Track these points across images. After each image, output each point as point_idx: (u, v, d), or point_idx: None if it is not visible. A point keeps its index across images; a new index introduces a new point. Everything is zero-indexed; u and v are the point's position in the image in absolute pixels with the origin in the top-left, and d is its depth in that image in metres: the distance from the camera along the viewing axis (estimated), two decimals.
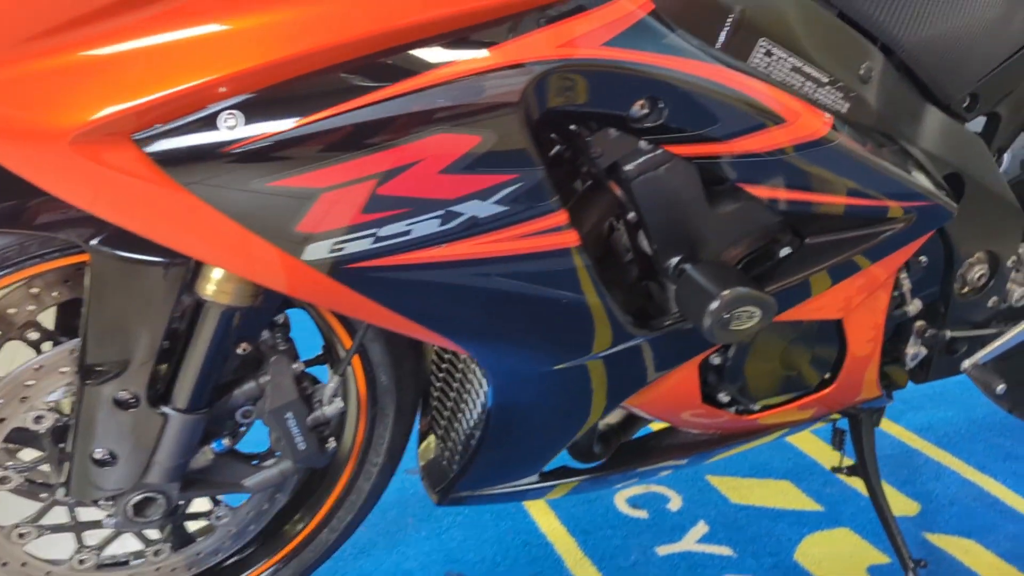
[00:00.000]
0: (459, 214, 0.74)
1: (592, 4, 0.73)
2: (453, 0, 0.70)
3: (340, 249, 0.73)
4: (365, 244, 0.73)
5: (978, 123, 1.16)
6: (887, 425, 1.75)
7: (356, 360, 1.04)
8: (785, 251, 0.94)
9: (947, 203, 0.95)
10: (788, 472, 1.58)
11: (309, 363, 1.01)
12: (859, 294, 0.98)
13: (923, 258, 1.13)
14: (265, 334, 0.93)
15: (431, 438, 1.15)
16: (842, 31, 0.91)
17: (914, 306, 1.11)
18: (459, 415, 1.06)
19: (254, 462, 1.01)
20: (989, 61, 1.06)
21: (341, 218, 0.72)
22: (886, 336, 1.21)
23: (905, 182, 0.91)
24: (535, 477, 1.07)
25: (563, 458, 1.10)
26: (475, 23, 0.70)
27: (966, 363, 1.23)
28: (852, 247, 0.93)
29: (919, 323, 1.19)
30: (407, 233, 0.74)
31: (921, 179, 0.94)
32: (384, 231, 0.73)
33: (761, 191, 0.86)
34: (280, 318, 0.95)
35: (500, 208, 0.75)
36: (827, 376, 1.09)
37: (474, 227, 0.75)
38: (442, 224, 0.74)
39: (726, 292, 0.83)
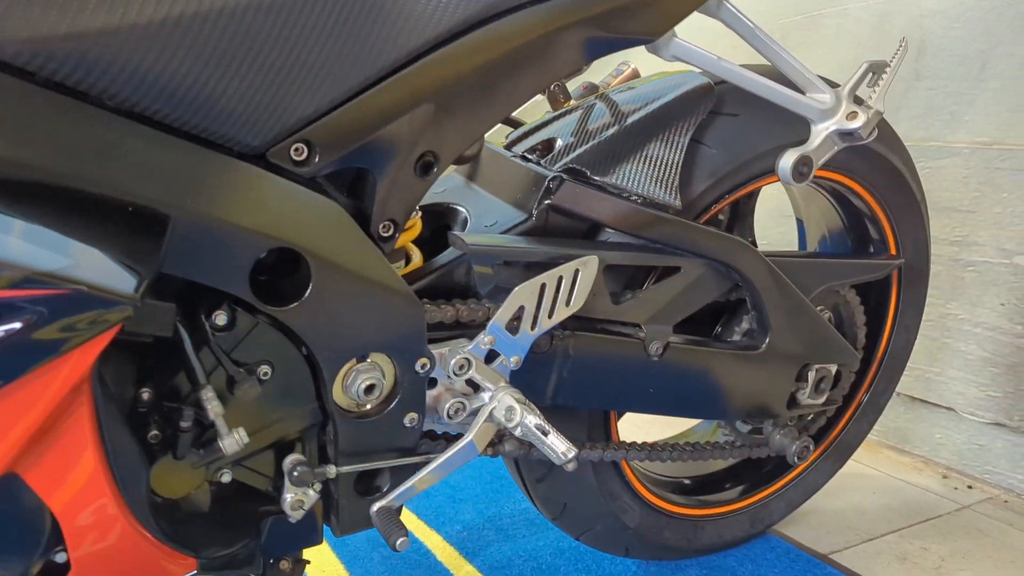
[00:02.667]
0: None
1: None
2: None
3: None
4: None
5: None
6: (458, 564, 1.42)
7: None
8: None
9: (100, 291, 0.60)
10: None
11: None
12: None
13: (264, 369, 0.81)
14: None
15: None
16: None
17: (234, 440, 0.77)
18: None
19: None
20: (309, 100, 0.76)
21: None
22: (274, 478, 0.87)
23: None
24: None
25: None
26: None
27: (376, 506, 0.90)
28: None
29: (291, 459, 0.85)
30: None
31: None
32: None
33: None
34: None
35: None
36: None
37: None
38: None
39: None
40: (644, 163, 1.04)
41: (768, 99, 0.98)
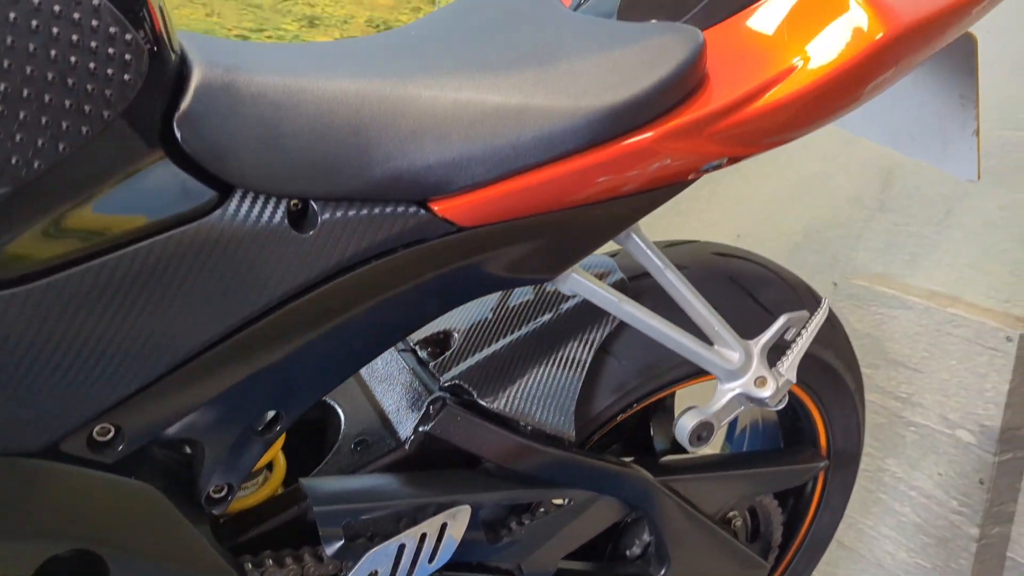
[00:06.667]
0: None
1: None
2: None
3: None
4: None
5: None
6: None
7: None
8: None
9: None
10: None
11: None
12: None
13: None
14: None
15: None
16: None
17: None
18: None
19: None
20: (109, 389, 0.64)
21: None
22: None
23: None
24: None
25: None
26: None
27: None
28: None
29: None
30: None
31: None
32: None
33: None
34: None
35: None
36: None
37: None
38: None
39: None
40: (539, 385, 0.93)
41: (669, 348, 0.87)
